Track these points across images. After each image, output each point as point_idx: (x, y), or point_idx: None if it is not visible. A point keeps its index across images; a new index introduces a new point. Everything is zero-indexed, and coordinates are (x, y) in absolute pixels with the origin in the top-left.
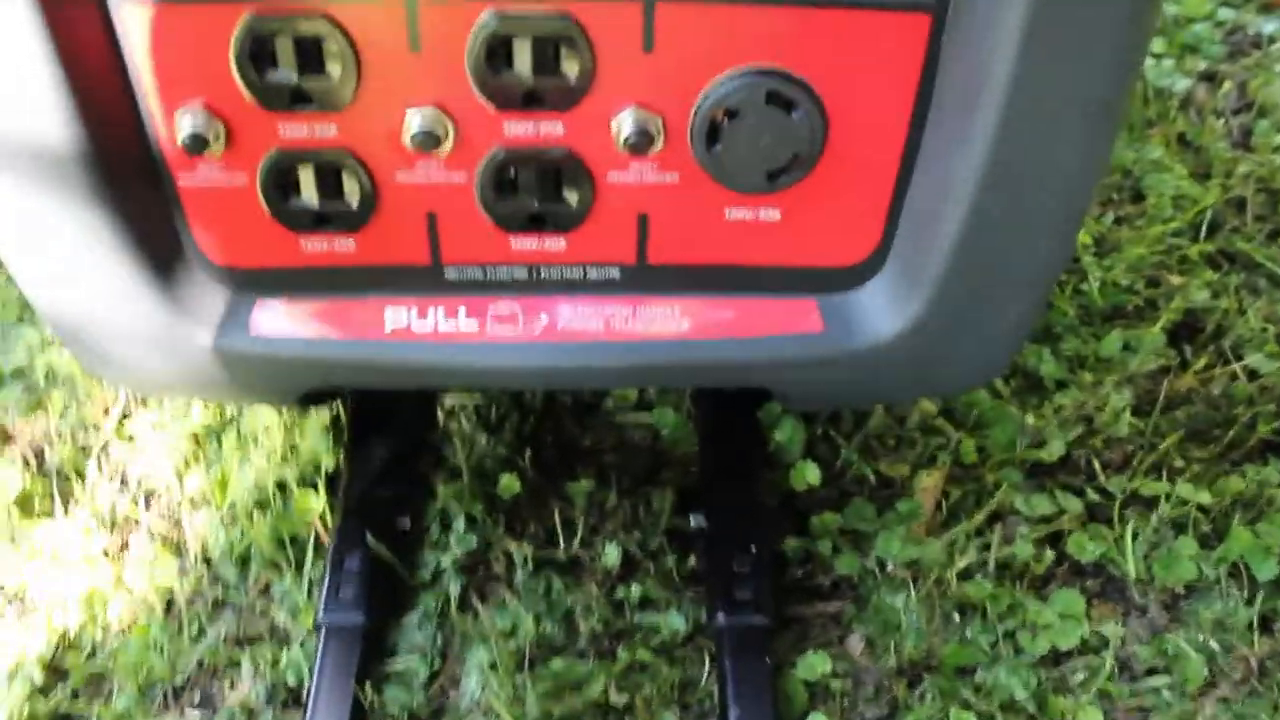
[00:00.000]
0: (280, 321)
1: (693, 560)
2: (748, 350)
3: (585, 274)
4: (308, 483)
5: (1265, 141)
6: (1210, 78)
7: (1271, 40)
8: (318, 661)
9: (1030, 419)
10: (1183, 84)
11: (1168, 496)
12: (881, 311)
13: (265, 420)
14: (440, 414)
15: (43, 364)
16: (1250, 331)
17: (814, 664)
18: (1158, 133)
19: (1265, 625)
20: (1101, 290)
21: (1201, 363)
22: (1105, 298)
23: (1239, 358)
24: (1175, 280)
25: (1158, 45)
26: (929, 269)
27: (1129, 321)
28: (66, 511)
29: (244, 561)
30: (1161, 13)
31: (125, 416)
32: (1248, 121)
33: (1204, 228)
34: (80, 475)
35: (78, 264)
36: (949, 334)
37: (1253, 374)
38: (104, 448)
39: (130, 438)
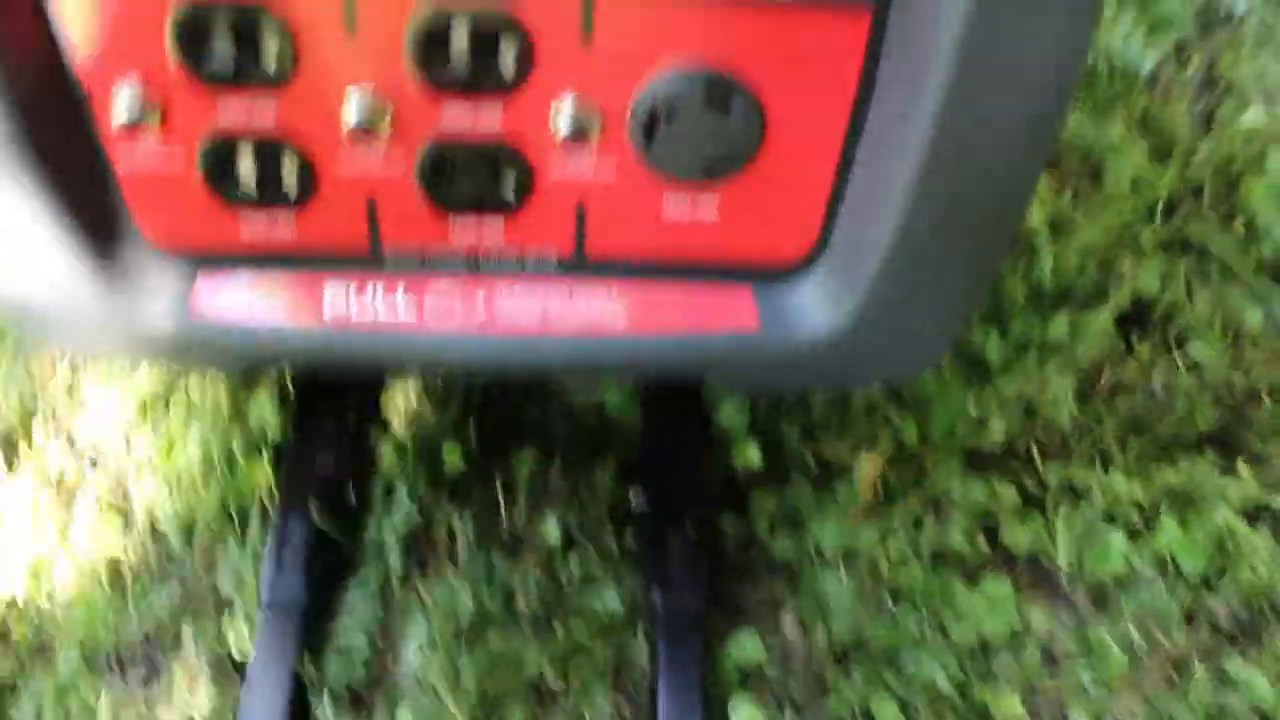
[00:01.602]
0: (220, 302)
1: (632, 538)
2: (685, 345)
3: (523, 264)
4: (255, 451)
5: (1228, 123)
6: (1179, 52)
7: (1242, 20)
8: (260, 634)
9: (973, 404)
10: (1150, 61)
11: (1102, 487)
12: (819, 306)
13: (212, 387)
14: (387, 386)
15: None
16: (1197, 321)
17: (746, 645)
18: (1120, 112)
19: (1190, 619)
20: (1054, 273)
21: (1146, 351)
22: (1056, 281)
23: (1183, 347)
24: (1127, 265)
25: (1126, 20)
26: (866, 264)
27: (1078, 306)
28: (11, 472)
29: (189, 530)
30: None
31: (74, 372)
32: (1213, 101)
33: (1158, 212)
34: (27, 436)
35: (15, 243)
36: (887, 327)
37: (1195, 364)
38: (50, 410)
39: (78, 400)
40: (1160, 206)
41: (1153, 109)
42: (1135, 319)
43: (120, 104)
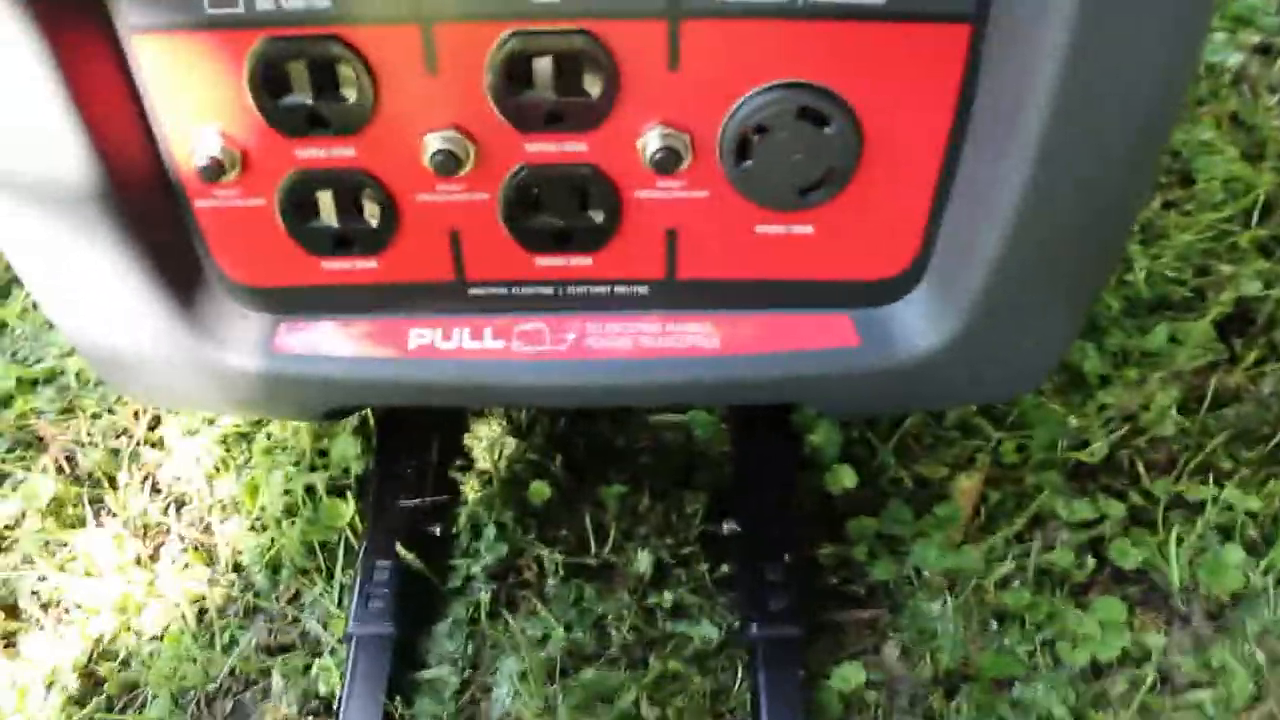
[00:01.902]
0: (304, 341)
1: (726, 567)
2: (780, 365)
3: (613, 290)
4: (337, 488)
5: None
6: (1265, 50)
7: None
8: (348, 671)
9: (1073, 419)
10: (1235, 59)
11: (1214, 500)
12: (919, 325)
13: (294, 425)
14: (470, 418)
15: (74, 366)
16: None
17: (848, 674)
18: (1208, 112)
19: None
20: (1148, 280)
21: (1252, 357)
22: (1152, 288)
23: None
24: (1225, 269)
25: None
26: (969, 283)
27: (1176, 313)
28: (98, 518)
29: (274, 568)
30: (1213, 10)
31: (156, 421)
32: None
33: (1256, 213)
34: (112, 481)
35: (100, 291)
36: (989, 346)
37: None
38: (135, 453)
39: (160, 442)
40: (1257, 207)
41: (1241, 108)
42: (1237, 324)
43: (201, 152)
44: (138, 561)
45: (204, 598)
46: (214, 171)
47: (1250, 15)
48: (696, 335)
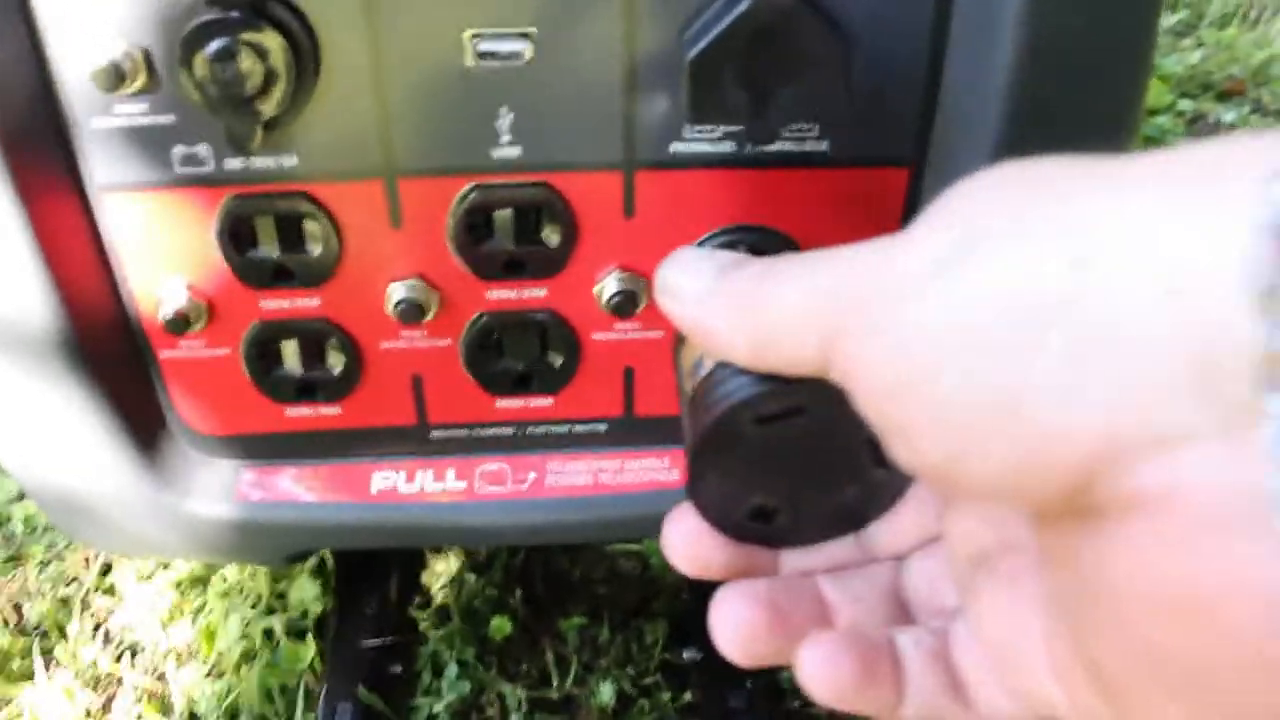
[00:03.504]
0: (267, 487)
1: (689, 694)
2: None
3: (572, 429)
4: (296, 630)
5: None
6: None
7: (1232, 127)
8: None
9: None
10: None
11: None
12: None
13: (251, 568)
14: (428, 554)
15: (20, 513)
16: None
17: None
18: None
19: None
20: None
21: None
22: None
23: None
24: None
25: None
26: None
27: None
28: (48, 670)
29: (232, 716)
30: None
31: (108, 567)
32: None
33: None
34: (61, 631)
35: (57, 438)
36: None
37: None
38: (85, 600)
39: (112, 589)
40: None
41: None
42: None
43: (168, 304)
44: (88, 715)
45: None
46: (180, 323)
47: (1160, 136)
48: (656, 470)
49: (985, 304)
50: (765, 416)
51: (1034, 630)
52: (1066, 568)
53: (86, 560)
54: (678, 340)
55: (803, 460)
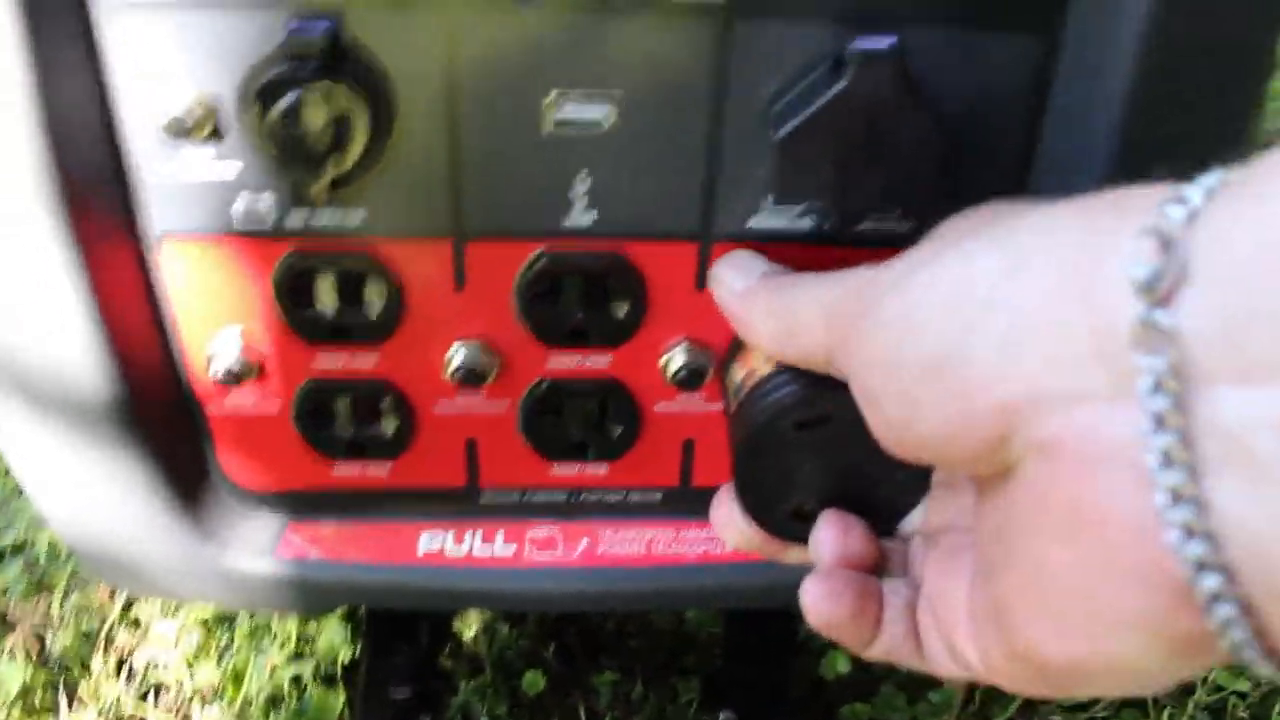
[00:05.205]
0: (309, 544)
1: None
2: (791, 571)
3: (627, 497)
4: (324, 677)
5: None
6: None
7: None
8: None
9: None
10: None
11: (1203, 682)
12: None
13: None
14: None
15: (44, 540)
16: None
17: None
18: None
19: None
20: None
21: None
22: None
23: None
24: None
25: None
26: None
27: None
28: (70, 707)
29: None
30: None
31: (131, 601)
32: None
33: None
34: (85, 666)
35: (98, 488)
36: None
37: None
38: (109, 634)
39: (137, 623)
40: None
41: None
42: None
43: (220, 359)
44: None
45: None
46: (231, 377)
47: None
48: (710, 541)
49: (943, 293)
50: (803, 422)
51: (960, 596)
52: (988, 520)
53: (112, 593)
54: (725, 360)
55: (838, 464)
